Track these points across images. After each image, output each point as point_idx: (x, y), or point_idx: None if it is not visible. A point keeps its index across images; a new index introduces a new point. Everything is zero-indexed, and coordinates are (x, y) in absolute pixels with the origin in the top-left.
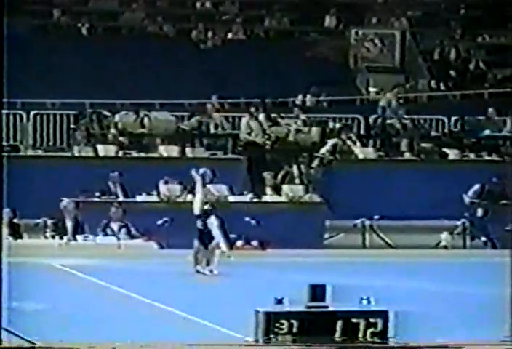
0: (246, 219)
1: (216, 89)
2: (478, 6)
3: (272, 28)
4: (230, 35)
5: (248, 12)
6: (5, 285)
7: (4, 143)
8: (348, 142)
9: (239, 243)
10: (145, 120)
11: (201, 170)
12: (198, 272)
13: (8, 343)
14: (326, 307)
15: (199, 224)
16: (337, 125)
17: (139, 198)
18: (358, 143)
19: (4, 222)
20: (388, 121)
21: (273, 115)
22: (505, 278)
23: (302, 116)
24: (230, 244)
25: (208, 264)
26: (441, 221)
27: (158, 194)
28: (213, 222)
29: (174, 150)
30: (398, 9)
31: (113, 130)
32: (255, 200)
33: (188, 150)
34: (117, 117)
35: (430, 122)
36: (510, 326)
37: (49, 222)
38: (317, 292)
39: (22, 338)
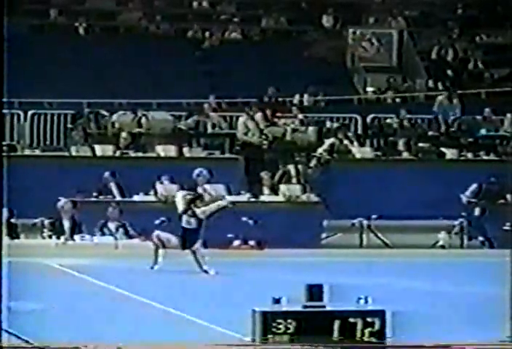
0: (244, 218)
1: (213, 88)
2: (476, 5)
3: (269, 28)
4: (227, 35)
5: (245, 12)
6: (2, 285)
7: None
8: (346, 141)
9: (237, 242)
10: (143, 119)
11: (197, 170)
12: (151, 268)
13: (7, 343)
14: (324, 306)
15: (184, 221)
16: (335, 125)
17: (136, 198)
18: (355, 143)
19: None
20: (386, 121)
21: (269, 114)
22: (503, 278)
23: (300, 116)
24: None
25: (200, 265)
26: (439, 220)
27: (156, 194)
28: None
29: (171, 150)
30: (396, 8)
31: (110, 129)
32: (253, 199)
33: (185, 149)
34: (114, 117)
35: (428, 122)
36: (510, 325)
37: (47, 221)
38: (314, 292)
39: (21, 338)
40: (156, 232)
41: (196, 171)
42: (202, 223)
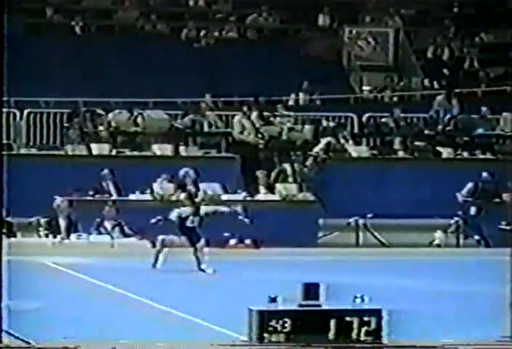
0: (240, 217)
1: (209, 87)
2: (472, 4)
3: (265, 27)
4: (223, 34)
5: (241, 11)
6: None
7: None
8: (342, 140)
9: (233, 241)
10: (139, 118)
11: (183, 171)
12: (153, 266)
13: (6, 343)
14: (320, 305)
15: (190, 221)
16: (331, 123)
17: (132, 197)
18: (351, 142)
19: None
20: (382, 120)
21: (266, 113)
22: (499, 277)
23: (296, 114)
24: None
25: (198, 264)
26: (435, 219)
27: (152, 192)
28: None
29: (167, 149)
30: (392, 7)
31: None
32: (249, 198)
33: (181, 148)
34: (110, 115)
35: (424, 121)
36: (510, 324)
37: (43, 220)
38: (310, 291)
39: (18, 338)
40: (161, 237)
41: (182, 171)
42: (202, 222)
